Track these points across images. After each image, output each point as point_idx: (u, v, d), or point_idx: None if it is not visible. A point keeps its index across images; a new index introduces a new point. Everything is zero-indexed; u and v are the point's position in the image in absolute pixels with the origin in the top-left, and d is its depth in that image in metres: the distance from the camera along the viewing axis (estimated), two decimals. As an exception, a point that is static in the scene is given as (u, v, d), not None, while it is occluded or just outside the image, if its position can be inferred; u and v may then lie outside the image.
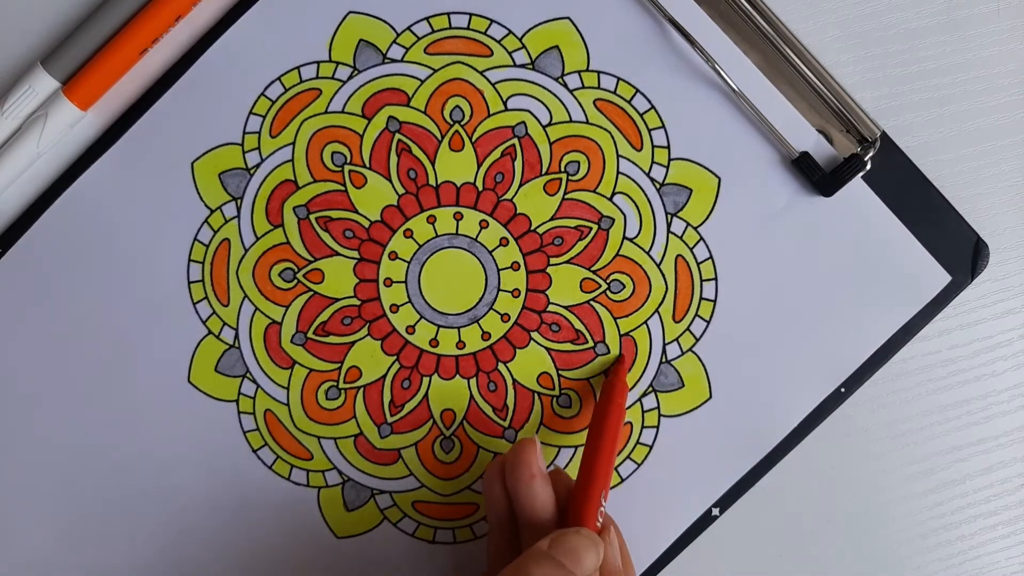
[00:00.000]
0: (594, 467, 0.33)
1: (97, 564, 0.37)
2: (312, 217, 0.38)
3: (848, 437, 0.39)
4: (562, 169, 0.38)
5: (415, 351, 0.38)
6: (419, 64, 0.38)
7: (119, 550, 0.38)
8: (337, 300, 0.38)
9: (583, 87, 0.38)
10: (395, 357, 0.38)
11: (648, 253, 0.38)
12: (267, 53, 0.37)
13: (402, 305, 0.38)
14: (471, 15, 0.38)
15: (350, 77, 0.38)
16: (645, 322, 0.38)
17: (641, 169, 0.38)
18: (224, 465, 0.38)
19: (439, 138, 0.38)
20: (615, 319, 0.38)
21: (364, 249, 0.38)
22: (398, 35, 0.38)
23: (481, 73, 0.38)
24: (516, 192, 0.38)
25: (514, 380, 0.38)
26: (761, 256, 0.38)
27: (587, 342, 0.38)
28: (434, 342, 0.38)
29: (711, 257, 0.38)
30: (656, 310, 0.38)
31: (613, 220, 0.38)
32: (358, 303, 0.38)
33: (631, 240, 0.38)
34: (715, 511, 0.38)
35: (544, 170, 0.38)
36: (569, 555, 0.30)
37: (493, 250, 0.38)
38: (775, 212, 0.38)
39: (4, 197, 0.37)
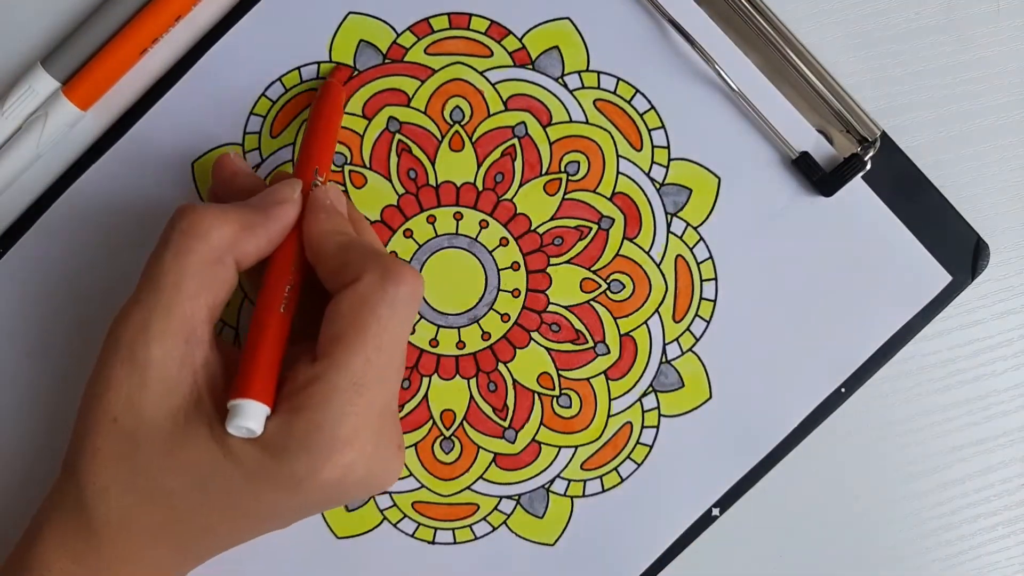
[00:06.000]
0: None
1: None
2: (312, 217, 0.38)
3: (848, 437, 0.39)
4: (562, 169, 0.38)
5: (415, 351, 0.38)
6: (419, 64, 0.38)
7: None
8: (337, 300, 0.38)
9: (583, 87, 0.38)
10: (395, 357, 0.38)
11: (648, 253, 0.38)
12: (267, 53, 0.37)
13: (402, 305, 0.38)
14: (471, 15, 0.38)
15: (350, 77, 0.38)
16: (645, 322, 0.38)
17: (641, 169, 0.38)
18: (224, 465, 0.37)
19: (439, 138, 0.38)
20: (615, 319, 0.38)
21: (364, 249, 0.38)
22: (398, 35, 0.38)
23: (481, 73, 0.38)
24: (516, 192, 0.38)
25: (514, 380, 0.38)
26: (761, 256, 0.38)
27: (587, 342, 0.38)
28: (434, 342, 0.38)
29: (711, 257, 0.38)
30: (656, 310, 0.38)
31: (613, 220, 0.38)
32: (358, 303, 0.38)
33: (631, 240, 0.38)
34: (715, 511, 0.38)
35: (544, 170, 0.38)
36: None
37: (493, 250, 0.38)
38: (775, 212, 0.38)
39: (4, 197, 0.37)
